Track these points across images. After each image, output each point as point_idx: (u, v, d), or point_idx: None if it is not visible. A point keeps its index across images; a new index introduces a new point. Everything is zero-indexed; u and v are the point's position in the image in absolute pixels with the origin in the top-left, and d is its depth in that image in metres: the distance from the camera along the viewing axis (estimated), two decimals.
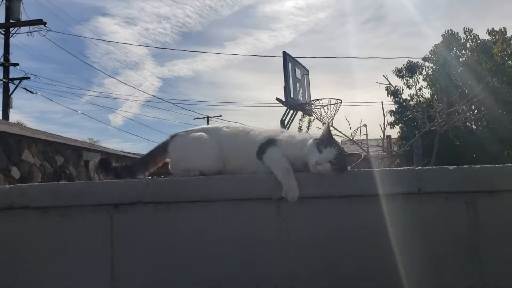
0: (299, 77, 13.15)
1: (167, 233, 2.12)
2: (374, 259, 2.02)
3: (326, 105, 12.14)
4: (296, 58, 13.34)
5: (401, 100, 16.74)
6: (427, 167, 2.53)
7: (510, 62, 14.10)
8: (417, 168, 2.18)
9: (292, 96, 12.25)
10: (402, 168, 2.21)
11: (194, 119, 36.19)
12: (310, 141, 2.12)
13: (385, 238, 1.99)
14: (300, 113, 12.94)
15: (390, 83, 12.62)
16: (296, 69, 13.04)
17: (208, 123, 35.10)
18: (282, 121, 12.36)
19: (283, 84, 12.13)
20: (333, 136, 2.15)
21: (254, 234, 2.09)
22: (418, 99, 16.82)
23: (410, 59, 16.83)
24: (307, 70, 14.00)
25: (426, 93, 16.70)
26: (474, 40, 15.63)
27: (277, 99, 12.42)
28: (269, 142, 2.19)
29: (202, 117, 36.13)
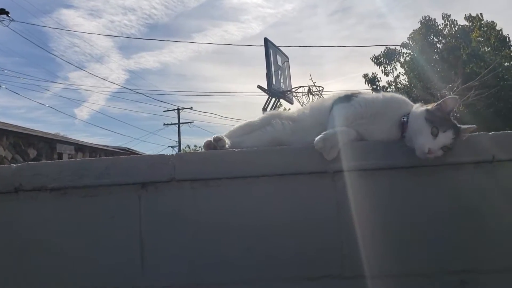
0: (280, 64, 12.97)
1: (205, 213, 1.87)
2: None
3: (309, 93, 12.00)
4: (276, 46, 13.13)
5: (378, 87, 16.79)
6: None
7: (486, 48, 14.25)
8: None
9: (274, 83, 12.06)
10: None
11: (164, 111, 35.60)
12: (418, 111, 1.80)
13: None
14: (283, 102, 12.76)
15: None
16: (277, 56, 12.85)
17: (178, 115, 34.50)
18: (265, 109, 12.15)
19: (265, 71, 11.95)
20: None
21: (306, 213, 1.85)
22: (396, 85, 16.90)
23: (387, 46, 16.87)
24: (287, 58, 13.83)
25: (404, 80, 16.78)
26: (452, 25, 15.77)
27: (259, 86, 12.22)
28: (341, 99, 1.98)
29: (173, 109, 35.58)
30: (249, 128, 2.17)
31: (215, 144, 1.95)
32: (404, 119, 1.82)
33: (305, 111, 2.17)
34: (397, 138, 1.84)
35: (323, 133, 1.79)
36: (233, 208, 1.87)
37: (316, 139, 1.78)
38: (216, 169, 1.87)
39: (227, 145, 1.95)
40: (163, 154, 1.92)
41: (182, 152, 2.01)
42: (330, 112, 1.95)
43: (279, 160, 1.86)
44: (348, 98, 1.96)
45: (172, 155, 1.91)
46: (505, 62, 14.55)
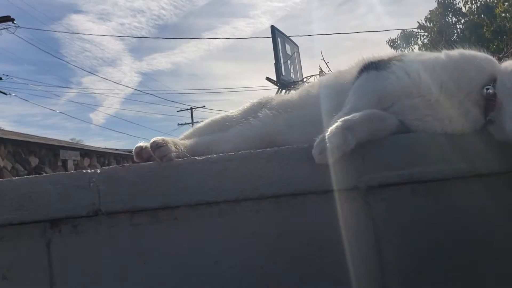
0: (290, 54, 12.13)
1: (156, 266, 1.12)
2: None
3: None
4: (285, 34, 12.32)
5: None
6: None
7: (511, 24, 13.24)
8: None
9: (283, 74, 11.24)
10: None
11: (178, 111, 35.16)
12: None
13: None
14: None
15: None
16: (286, 45, 12.01)
17: (192, 114, 34.09)
18: None
19: (272, 62, 11.13)
20: None
21: (324, 261, 1.09)
22: None
23: (404, 29, 15.87)
24: (297, 46, 12.98)
25: None
26: (473, 2, 14.72)
27: (268, 78, 11.42)
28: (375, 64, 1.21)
29: (186, 108, 35.08)
30: (226, 123, 1.40)
31: (153, 155, 1.15)
32: (489, 91, 1.05)
33: (310, 91, 1.39)
34: (478, 126, 1.07)
35: (338, 118, 1.04)
36: (198, 257, 1.12)
37: (329, 129, 1.03)
38: (169, 191, 1.12)
39: (174, 154, 1.15)
40: (81, 172, 1.16)
41: (112, 167, 1.23)
42: (353, 85, 1.18)
43: (270, 172, 1.10)
44: (385, 64, 1.20)
45: (94, 172, 1.15)
46: None
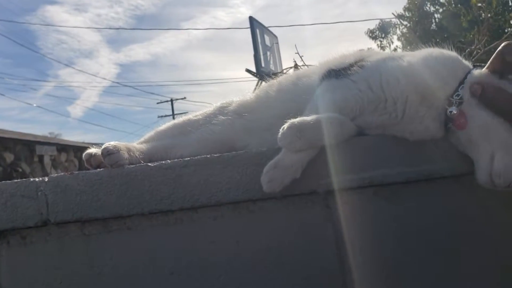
0: (269, 45, 12.05)
1: (108, 276, 1.07)
2: None
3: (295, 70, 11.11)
4: (263, 25, 12.23)
5: None
6: None
7: (488, 14, 13.34)
8: None
9: (263, 65, 11.16)
10: None
11: (158, 103, 34.84)
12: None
13: None
14: None
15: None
16: (265, 36, 11.90)
17: (172, 106, 33.79)
18: None
19: (252, 53, 11.04)
20: None
21: (285, 268, 1.05)
22: None
23: (382, 19, 15.89)
24: (277, 38, 12.90)
25: None
26: None
27: (247, 70, 11.31)
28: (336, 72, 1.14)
29: (166, 100, 34.75)
30: (188, 127, 1.33)
31: (104, 161, 1.09)
32: (453, 112, 0.98)
33: (268, 93, 1.32)
34: (439, 136, 1.03)
35: (293, 120, 0.99)
36: (153, 268, 1.07)
37: (282, 130, 0.98)
38: (121, 199, 1.06)
39: (127, 160, 1.09)
40: (28, 180, 1.10)
41: (60, 174, 1.19)
42: (315, 94, 1.13)
43: (228, 178, 1.05)
44: (346, 71, 1.13)
45: (42, 180, 1.09)
46: (507, 27, 13.69)
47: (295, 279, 1.05)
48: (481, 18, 13.20)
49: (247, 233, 1.07)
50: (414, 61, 1.06)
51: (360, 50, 1.25)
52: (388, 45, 15.94)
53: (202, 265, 1.07)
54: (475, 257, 1.05)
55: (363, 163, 1.04)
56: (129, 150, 1.14)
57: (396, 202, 1.06)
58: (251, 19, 11.25)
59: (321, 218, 1.06)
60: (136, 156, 1.15)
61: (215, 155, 1.07)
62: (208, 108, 1.39)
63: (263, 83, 1.34)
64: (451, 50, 1.12)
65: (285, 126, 0.98)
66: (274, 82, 1.34)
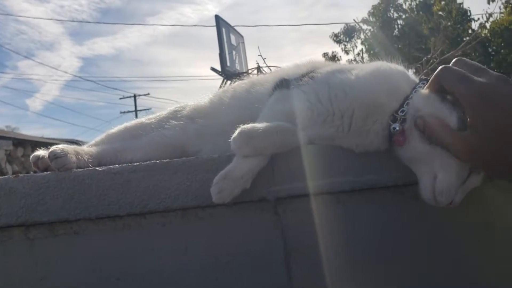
0: (235, 44, 12.04)
1: (56, 279, 1.05)
2: None
3: (258, 72, 11.12)
4: (230, 24, 12.19)
5: None
6: None
7: (448, 22, 13.79)
8: None
9: (228, 64, 11.14)
10: None
11: (120, 98, 34.25)
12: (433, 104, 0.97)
13: None
14: None
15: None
16: (231, 35, 11.90)
17: (135, 102, 33.30)
18: None
19: (218, 52, 10.99)
20: None
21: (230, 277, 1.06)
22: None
23: (347, 23, 16.17)
24: (243, 37, 12.91)
25: (366, 57, 16.18)
26: None
27: (212, 68, 11.27)
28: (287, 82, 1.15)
29: (129, 96, 34.21)
30: (140, 131, 1.32)
31: (51, 165, 1.08)
32: (396, 129, 1.00)
33: (222, 99, 1.32)
34: (383, 148, 1.06)
35: (244, 126, 1.00)
36: (100, 274, 1.05)
37: (233, 135, 0.99)
38: (67, 203, 1.05)
39: (74, 164, 1.08)
40: None
41: (5, 177, 1.16)
42: (267, 102, 1.15)
43: (177, 184, 1.05)
44: (297, 81, 1.14)
45: None
46: (465, 36, 14.17)
47: (243, 286, 1.06)
48: (441, 26, 13.62)
49: (196, 240, 1.07)
50: (361, 75, 1.07)
51: (312, 60, 1.26)
52: (352, 49, 16.24)
53: (150, 271, 1.06)
54: (415, 264, 1.09)
55: (312, 172, 1.06)
56: (77, 153, 1.12)
57: (343, 210, 1.08)
58: (217, 17, 11.23)
59: (270, 225, 1.07)
60: (85, 160, 1.13)
61: (164, 160, 1.06)
62: (162, 112, 1.38)
63: (228, 82, 1.34)
64: (401, 63, 1.15)
65: (237, 130, 0.99)
66: (228, 89, 1.35)
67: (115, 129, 1.37)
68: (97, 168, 1.06)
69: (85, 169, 1.07)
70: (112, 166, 1.06)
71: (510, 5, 14.07)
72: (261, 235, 1.08)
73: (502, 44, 13.68)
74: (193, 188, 1.04)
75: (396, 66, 1.12)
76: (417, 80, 1.08)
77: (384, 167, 1.06)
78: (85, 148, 1.22)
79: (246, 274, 1.06)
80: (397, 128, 0.99)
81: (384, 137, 1.03)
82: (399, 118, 0.99)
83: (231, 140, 0.98)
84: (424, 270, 1.09)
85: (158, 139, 1.25)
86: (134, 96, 34.20)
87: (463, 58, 0.95)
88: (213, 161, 1.05)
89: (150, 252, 1.07)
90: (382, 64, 1.12)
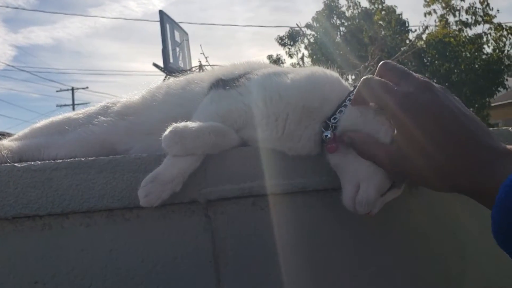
0: (179, 41, 11.87)
1: None
2: None
3: (200, 70, 11.03)
4: (174, 20, 12.00)
5: None
6: None
7: (387, 31, 14.33)
8: None
9: (171, 61, 10.95)
10: None
11: (57, 91, 32.89)
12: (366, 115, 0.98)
13: None
14: None
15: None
16: (175, 32, 11.72)
17: (73, 95, 32.15)
18: None
19: (161, 47, 10.77)
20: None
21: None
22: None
23: (292, 27, 16.42)
24: (187, 35, 12.74)
25: (309, 62, 16.48)
26: (355, 7, 15.66)
27: (154, 64, 11.02)
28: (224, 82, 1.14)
29: (66, 89, 32.93)
30: (66, 126, 1.25)
31: None
32: (328, 136, 1.00)
33: (156, 96, 1.28)
34: (314, 153, 1.07)
35: (176, 125, 0.98)
36: (18, 277, 0.99)
37: (165, 133, 0.96)
38: None
39: None
40: None
41: None
42: (202, 102, 1.13)
43: (103, 183, 1.01)
44: (234, 82, 1.13)
45: None
46: (403, 46, 14.78)
47: None
48: (381, 35, 14.18)
49: (121, 242, 1.03)
50: (296, 79, 1.08)
51: (249, 61, 1.26)
52: (296, 52, 16.50)
53: (71, 274, 1.01)
54: (344, 267, 1.11)
55: (242, 174, 1.05)
56: None
57: (273, 213, 1.08)
58: (161, 13, 11.03)
59: (200, 228, 1.05)
60: (3, 155, 1.06)
61: (90, 158, 1.02)
62: (91, 107, 1.32)
63: (171, 78, 1.30)
64: (335, 69, 1.17)
65: (169, 129, 0.96)
66: (162, 85, 1.31)
67: (40, 123, 1.30)
68: (16, 164, 0.99)
69: (2, 165, 1.00)
70: (32, 163, 1.00)
71: (445, 19, 14.86)
72: (190, 238, 1.06)
73: (436, 56, 14.39)
74: (119, 188, 1.01)
75: (331, 73, 1.12)
76: (350, 88, 1.10)
77: (315, 171, 1.07)
78: (4, 142, 1.14)
79: (174, 278, 1.04)
80: (329, 136, 1.00)
81: (316, 142, 1.04)
82: (331, 125, 1.00)
83: (162, 138, 0.95)
84: (352, 273, 1.11)
85: (85, 135, 1.20)
86: (72, 89, 32.97)
87: (389, 61, 0.94)
88: (142, 160, 1.02)
89: (72, 254, 1.02)
90: (317, 70, 1.13)
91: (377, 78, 0.91)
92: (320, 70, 1.13)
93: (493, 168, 0.74)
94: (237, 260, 1.07)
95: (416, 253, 1.13)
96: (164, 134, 0.96)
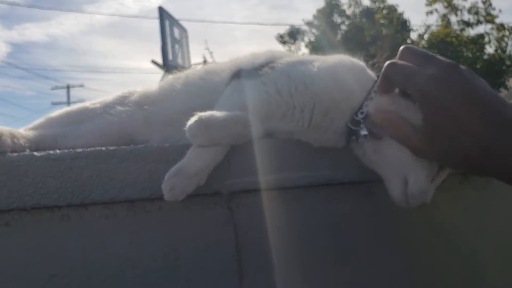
0: (178, 38, 11.85)
1: None
2: None
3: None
4: (173, 17, 11.98)
5: None
6: None
7: (389, 30, 14.31)
8: None
9: (170, 58, 10.94)
10: None
11: (52, 88, 32.79)
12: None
13: None
14: None
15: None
16: (175, 28, 11.72)
17: (68, 93, 32.07)
18: None
19: (159, 45, 10.75)
20: None
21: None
22: None
23: (293, 25, 16.37)
24: (186, 31, 12.74)
25: None
26: (356, 6, 15.64)
27: (153, 61, 11.06)
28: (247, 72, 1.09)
29: (62, 86, 32.87)
30: (83, 116, 1.22)
31: None
32: (364, 133, 0.96)
33: (175, 86, 1.24)
34: (340, 145, 1.03)
35: (201, 114, 0.94)
36: (33, 270, 0.96)
37: (190, 121, 0.93)
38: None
39: (9, 148, 0.97)
40: None
41: None
42: (223, 93, 1.09)
43: (124, 174, 0.98)
44: (256, 72, 1.09)
45: None
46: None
47: (191, 284, 1.01)
48: (382, 34, 14.16)
49: (142, 235, 1.00)
50: (323, 68, 1.04)
51: (271, 50, 1.22)
52: (296, 51, 16.46)
53: (89, 267, 0.98)
54: (367, 262, 1.08)
55: (267, 166, 1.02)
56: (13, 136, 1.01)
57: (298, 206, 1.06)
58: (161, 9, 11.02)
59: (223, 221, 1.02)
60: (21, 144, 1.03)
61: (111, 147, 0.98)
62: (107, 97, 1.29)
63: (170, 76, 1.27)
64: (360, 59, 1.13)
65: (194, 118, 0.93)
66: (181, 75, 1.28)
67: (55, 113, 1.26)
68: (35, 153, 0.96)
69: (21, 154, 0.97)
70: (52, 152, 0.97)
71: (446, 19, 14.85)
72: (212, 231, 1.02)
73: (438, 55, 14.34)
74: (141, 179, 0.97)
75: (358, 61, 1.09)
76: (375, 76, 1.06)
77: (341, 163, 1.04)
78: (21, 131, 1.11)
79: (196, 272, 1.01)
80: (366, 133, 0.95)
81: (342, 134, 1.00)
82: (361, 121, 0.96)
83: (186, 127, 0.92)
84: (375, 269, 1.08)
85: (103, 125, 1.17)
86: (68, 87, 32.90)
87: (411, 46, 0.91)
88: (164, 150, 0.99)
89: (91, 246, 0.99)
90: (343, 59, 1.09)
91: (402, 61, 0.87)
92: (347, 59, 1.09)
93: None
94: (260, 254, 1.03)
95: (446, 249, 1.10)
96: (189, 124, 0.92)
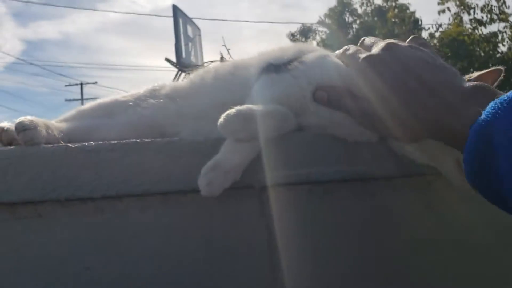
0: (191, 36, 11.86)
1: (16, 267, 0.95)
2: None
3: (221, 61, 11.02)
4: (187, 15, 12.00)
5: None
6: None
7: (401, 29, 14.23)
8: None
9: (184, 56, 10.95)
10: None
11: (66, 85, 33.04)
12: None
13: None
14: None
15: None
16: (188, 27, 11.73)
17: (82, 90, 32.27)
18: None
19: (172, 42, 10.77)
20: None
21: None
22: None
23: (304, 24, 16.32)
24: (199, 30, 12.75)
25: None
26: (368, 4, 15.56)
27: (167, 59, 11.07)
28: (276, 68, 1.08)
29: (75, 83, 33.10)
30: (114, 108, 1.22)
31: (17, 137, 0.97)
32: None
33: (205, 79, 1.23)
34: (373, 140, 1.01)
35: (239, 107, 0.93)
36: (67, 262, 0.96)
37: (226, 116, 0.91)
38: (33, 182, 0.94)
39: (44, 139, 0.97)
40: None
41: None
42: (253, 88, 1.08)
43: (159, 166, 0.97)
44: (286, 66, 1.08)
45: None
46: None
47: (225, 277, 1.00)
48: (394, 33, 14.08)
49: (176, 228, 0.99)
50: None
51: (299, 44, 1.22)
52: None
53: (123, 260, 0.98)
54: (400, 255, 1.06)
55: (300, 160, 1.01)
56: (47, 127, 1.01)
57: (330, 200, 1.04)
58: (175, 7, 11.04)
59: (255, 215, 1.01)
60: (55, 135, 1.03)
61: (146, 139, 0.98)
62: (138, 90, 1.28)
63: (183, 74, 1.27)
64: None
65: (231, 112, 0.91)
66: (210, 69, 1.27)
67: (86, 105, 1.26)
68: (69, 145, 0.96)
69: (55, 145, 0.97)
70: (86, 143, 0.96)
71: (459, 17, 14.73)
72: (244, 224, 1.02)
73: (449, 54, 14.27)
74: (176, 171, 0.97)
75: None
76: None
77: (375, 158, 1.02)
78: (54, 122, 1.11)
79: (229, 266, 1.00)
80: None
81: None
82: None
83: (221, 121, 0.91)
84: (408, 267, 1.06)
85: (135, 117, 1.16)
86: (81, 84, 33.12)
87: (366, 37, 1.04)
88: (199, 144, 0.98)
89: (125, 239, 0.98)
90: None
91: (354, 46, 1.00)
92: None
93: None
94: (291, 248, 1.02)
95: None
96: (226, 118, 0.91)
